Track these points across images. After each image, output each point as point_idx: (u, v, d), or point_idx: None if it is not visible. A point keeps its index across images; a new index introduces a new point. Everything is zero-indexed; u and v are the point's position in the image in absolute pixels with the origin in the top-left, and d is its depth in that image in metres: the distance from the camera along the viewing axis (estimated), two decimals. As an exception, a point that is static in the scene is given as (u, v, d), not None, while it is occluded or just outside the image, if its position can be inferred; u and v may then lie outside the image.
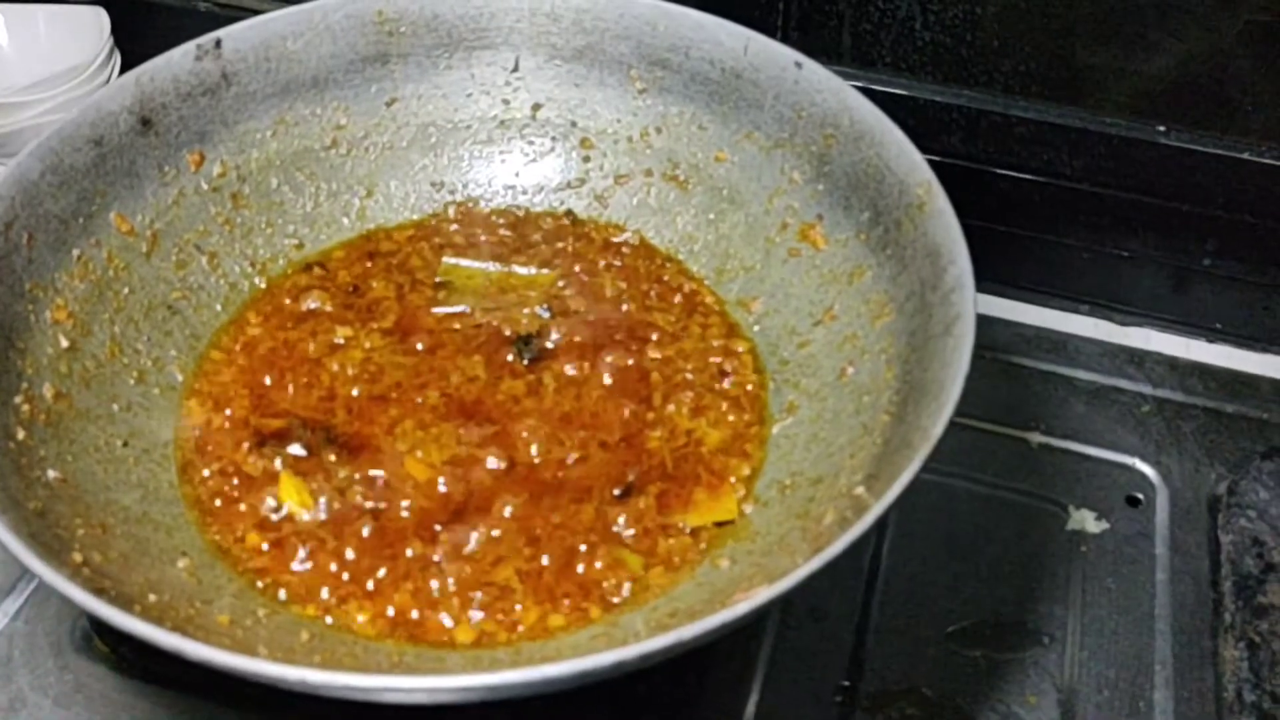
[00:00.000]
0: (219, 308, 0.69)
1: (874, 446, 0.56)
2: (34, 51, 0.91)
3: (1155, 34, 0.72)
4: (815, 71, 0.67)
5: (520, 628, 0.56)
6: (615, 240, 0.74)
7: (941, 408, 0.51)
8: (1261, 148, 0.74)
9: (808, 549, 0.51)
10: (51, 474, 0.55)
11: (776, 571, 0.49)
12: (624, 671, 0.45)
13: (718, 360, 0.67)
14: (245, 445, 0.62)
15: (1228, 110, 0.74)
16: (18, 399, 0.57)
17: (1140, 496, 0.71)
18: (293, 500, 0.60)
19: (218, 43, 0.68)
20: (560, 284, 0.72)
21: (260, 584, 0.57)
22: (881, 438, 0.56)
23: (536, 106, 0.75)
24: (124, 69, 0.88)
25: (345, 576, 0.58)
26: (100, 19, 0.90)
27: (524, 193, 0.76)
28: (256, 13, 0.71)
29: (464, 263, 0.73)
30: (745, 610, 0.46)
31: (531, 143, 0.76)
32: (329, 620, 0.56)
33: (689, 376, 0.67)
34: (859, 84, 0.67)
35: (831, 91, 0.67)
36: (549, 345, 0.68)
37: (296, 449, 0.62)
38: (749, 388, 0.66)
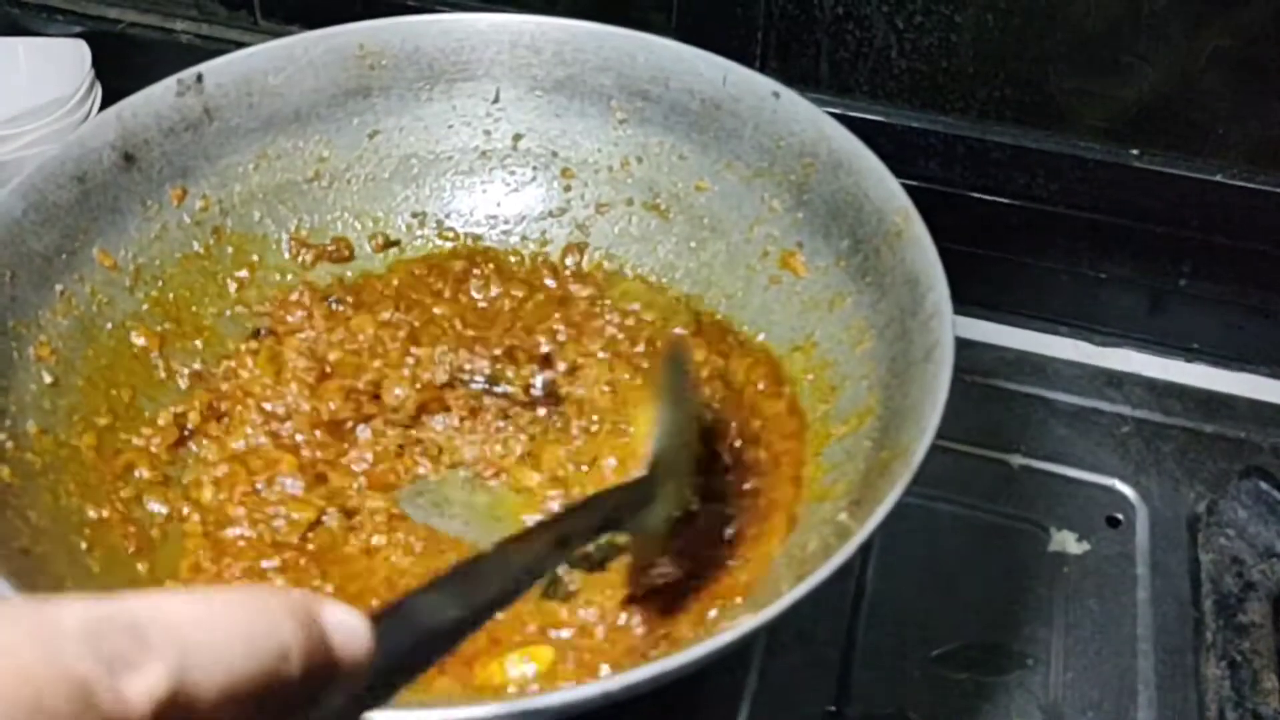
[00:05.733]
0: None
1: (856, 473, 0.57)
2: (14, 85, 0.90)
3: (1126, 59, 0.73)
4: (793, 101, 0.68)
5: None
6: None
7: (923, 433, 0.52)
8: (1232, 170, 0.75)
9: (792, 576, 0.51)
10: (34, 513, 0.55)
11: (761, 600, 0.49)
12: (610, 702, 0.45)
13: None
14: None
15: (1199, 133, 0.74)
16: (1, 436, 0.57)
17: (1120, 517, 0.71)
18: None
19: (199, 77, 0.69)
20: None
21: None
22: (864, 464, 0.57)
23: (518, 137, 0.76)
24: (105, 102, 0.88)
25: None
26: (81, 51, 0.90)
27: (506, 222, 0.76)
28: (238, 45, 0.72)
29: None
30: (729, 640, 0.46)
31: (513, 173, 0.76)
32: None
33: None
34: (837, 111, 0.68)
35: (810, 121, 0.67)
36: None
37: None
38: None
